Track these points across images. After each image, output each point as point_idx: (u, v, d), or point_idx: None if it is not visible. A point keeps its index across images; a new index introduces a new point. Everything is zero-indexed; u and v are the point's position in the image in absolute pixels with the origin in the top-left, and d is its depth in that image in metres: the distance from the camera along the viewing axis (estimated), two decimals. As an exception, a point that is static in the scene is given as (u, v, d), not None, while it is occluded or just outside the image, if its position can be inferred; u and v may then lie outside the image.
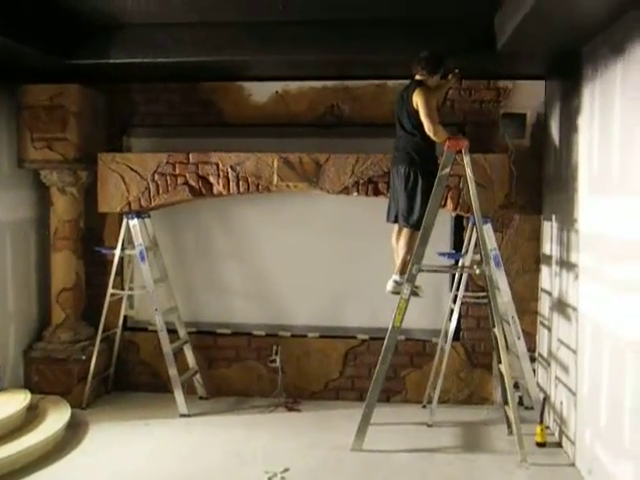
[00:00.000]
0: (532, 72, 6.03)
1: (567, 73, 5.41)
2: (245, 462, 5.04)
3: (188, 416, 5.94)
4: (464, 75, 5.67)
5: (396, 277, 5.31)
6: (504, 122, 6.19)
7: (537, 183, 6.20)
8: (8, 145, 6.18)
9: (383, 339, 5.22)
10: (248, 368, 6.58)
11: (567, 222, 5.35)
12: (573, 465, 5.00)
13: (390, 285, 5.33)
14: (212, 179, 5.99)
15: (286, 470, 4.87)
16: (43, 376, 6.14)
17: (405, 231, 5.28)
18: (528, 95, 6.20)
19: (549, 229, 5.94)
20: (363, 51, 5.35)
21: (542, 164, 6.17)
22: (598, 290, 4.65)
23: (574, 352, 5.09)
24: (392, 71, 5.98)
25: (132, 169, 6.04)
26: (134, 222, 6.03)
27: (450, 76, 5.45)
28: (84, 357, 6.15)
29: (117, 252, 6.18)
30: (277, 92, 6.43)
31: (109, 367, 6.58)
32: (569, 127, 5.38)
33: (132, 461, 5.07)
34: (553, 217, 5.82)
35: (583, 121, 5.03)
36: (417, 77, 5.16)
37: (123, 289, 6.56)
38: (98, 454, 5.12)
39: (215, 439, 5.49)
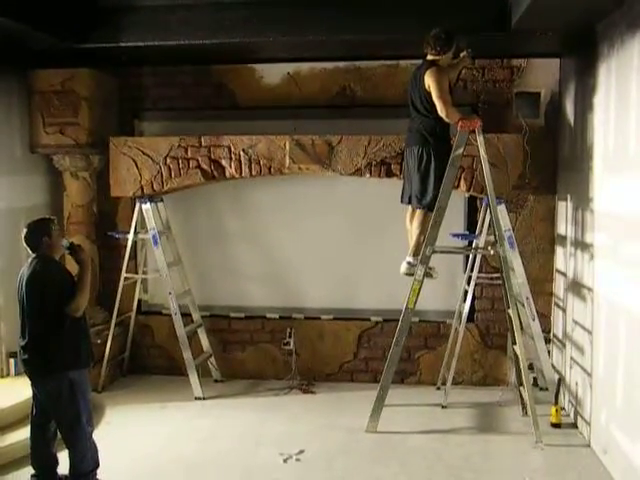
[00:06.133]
0: (546, 50, 5.94)
1: (582, 50, 5.33)
2: (260, 444, 5.07)
3: (203, 399, 5.97)
4: (477, 54, 5.60)
5: (410, 259, 5.28)
6: (518, 101, 6.12)
7: (551, 163, 6.13)
8: (20, 130, 6.19)
9: (397, 321, 5.22)
10: (262, 351, 6.60)
11: (582, 202, 5.30)
12: (588, 446, 4.99)
13: (404, 267, 5.31)
14: (224, 162, 5.98)
15: (301, 452, 4.90)
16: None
17: (419, 212, 5.24)
18: (542, 73, 6.12)
19: (564, 209, 5.89)
20: (375, 31, 5.29)
21: (557, 143, 6.11)
22: (614, 270, 4.61)
23: (589, 333, 5.06)
24: (404, 51, 5.91)
25: (144, 153, 6.05)
26: (147, 206, 6.04)
27: (462, 55, 5.37)
28: (99, 341, 6.17)
29: (130, 236, 6.19)
30: (289, 74, 6.39)
31: (124, 351, 6.63)
32: (584, 105, 5.31)
33: (149, 444, 5.11)
34: (568, 197, 5.76)
35: (599, 99, 4.97)
36: (429, 57, 5.09)
37: (137, 273, 6.59)
38: (115, 437, 5.16)
39: (230, 422, 5.53)
